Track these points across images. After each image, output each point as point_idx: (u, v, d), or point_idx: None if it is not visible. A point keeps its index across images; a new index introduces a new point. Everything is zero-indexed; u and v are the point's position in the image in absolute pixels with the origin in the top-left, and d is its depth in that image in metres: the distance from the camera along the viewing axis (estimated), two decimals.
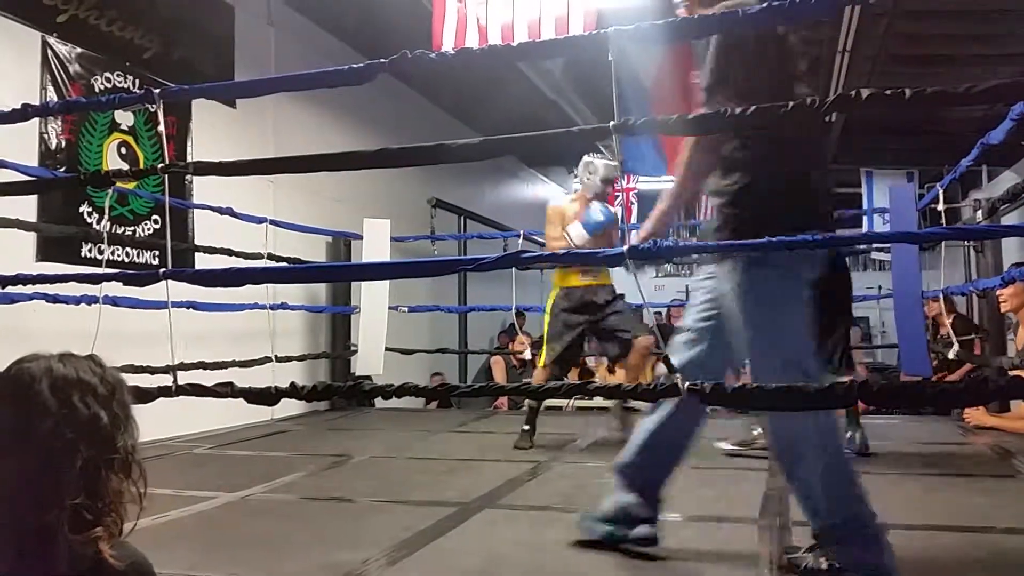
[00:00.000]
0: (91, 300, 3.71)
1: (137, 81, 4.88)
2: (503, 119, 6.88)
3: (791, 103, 1.95)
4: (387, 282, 5.82)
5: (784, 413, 2.06)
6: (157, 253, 4.86)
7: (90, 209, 4.52)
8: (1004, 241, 5.12)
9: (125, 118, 4.80)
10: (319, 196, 6.44)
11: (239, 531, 2.70)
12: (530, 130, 2.34)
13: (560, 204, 4.41)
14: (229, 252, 5.07)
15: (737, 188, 2.06)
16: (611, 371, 5.65)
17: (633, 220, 10.38)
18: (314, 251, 6.26)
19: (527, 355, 6.62)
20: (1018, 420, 4.39)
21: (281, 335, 5.62)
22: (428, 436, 4.80)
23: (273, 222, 5.52)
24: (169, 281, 2.61)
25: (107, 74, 4.70)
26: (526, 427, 4.21)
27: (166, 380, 2.61)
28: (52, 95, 4.33)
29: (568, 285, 4.22)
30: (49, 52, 4.34)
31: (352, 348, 6.34)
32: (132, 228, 4.81)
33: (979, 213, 4.96)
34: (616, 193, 4.21)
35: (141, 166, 4.75)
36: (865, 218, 8.63)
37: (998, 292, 4.38)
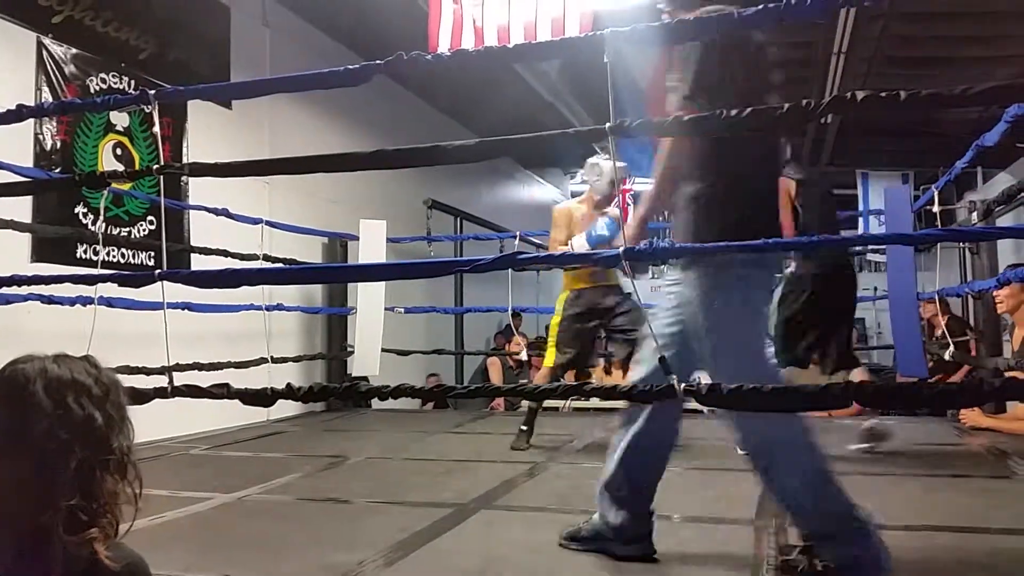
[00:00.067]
0: (86, 301, 3.71)
1: (132, 82, 4.87)
2: (499, 120, 6.89)
3: (786, 105, 1.96)
4: (383, 283, 5.82)
5: (753, 418, 2.05)
6: (152, 254, 4.86)
7: (85, 210, 4.51)
8: (999, 243, 5.14)
9: (120, 119, 4.79)
10: (315, 197, 6.43)
11: (235, 532, 2.70)
12: (526, 132, 2.34)
13: (567, 207, 4.36)
14: (225, 253, 5.07)
15: (697, 192, 2.08)
16: (607, 372, 5.65)
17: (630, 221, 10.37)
18: (310, 252, 6.25)
19: (523, 356, 6.62)
20: (1014, 421, 4.40)
21: (277, 336, 5.62)
22: (425, 437, 4.80)
23: (269, 223, 5.51)
24: (164, 282, 2.61)
25: (102, 75, 4.70)
26: (524, 427, 4.21)
27: (162, 381, 2.60)
28: (47, 96, 4.32)
29: (578, 287, 4.21)
30: (44, 53, 4.34)
31: (348, 349, 6.33)
32: (127, 229, 4.80)
33: (974, 215, 4.97)
34: (614, 195, 4.23)
35: (136, 167, 4.74)
36: (861, 220, 8.65)
37: (994, 293, 4.39)
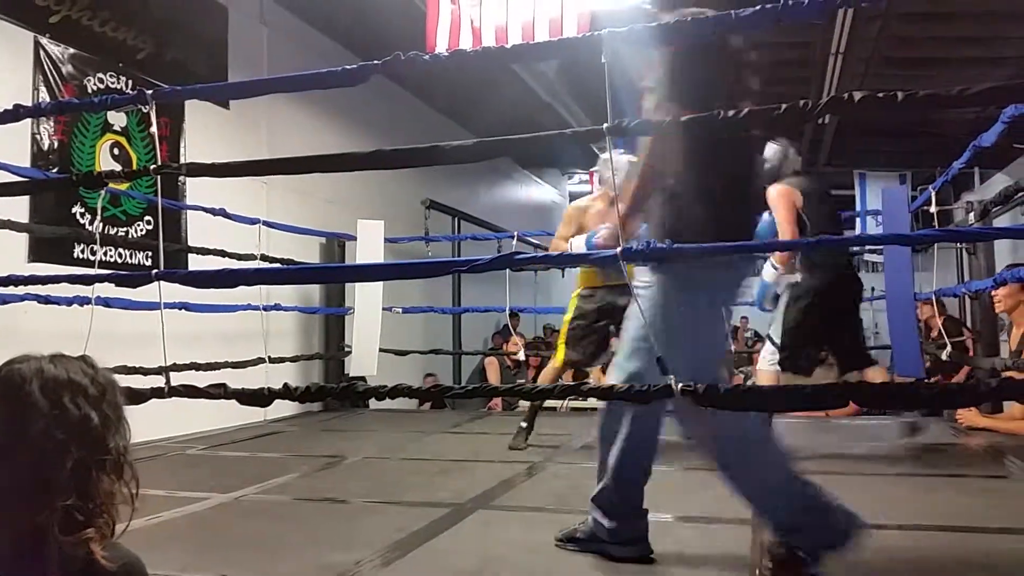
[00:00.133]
0: (83, 301, 3.70)
1: (130, 82, 4.87)
2: (497, 121, 6.89)
3: (783, 105, 1.96)
4: (381, 283, 5.81)
5: (711, 423, 2.07)
6: (150, 254, 4.85)
7: (83, 210, 4.51)
8: (996, 243, 5.14)
9: (118, 119, 4.79)
10: (313, 197, 6.43)
11: (232, 532, 2.69)
12: (524, 132, 2.34)
13: (581, 204, 4.29)
14: (222, 253, 5.06)
15: (673, 192, 2.09)
16: (605, 372, 5.65)
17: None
18: (308, 252, 6.25)
19: (521, 356, 6.62)
20: (1011, 421, 4.41)
21: (274, 336, 5.62)
22: (422, 437, 4.79)
23: (266, 223, 5.51)
24: (162, 282, 2.61)
25: (100, 75, 4.69)
26: (524, 424, 4.21)
27: (159, 381, 2.61)
28: (44, 96, 4.32)
29: (591, 285, 4.19)
30: (42, 53, 4.33)
31: (346, 349, 6.33)
32: (125, 229, 4.79)
33: (971, 215, 4.98)
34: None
35: (134, 167, 4.74)
36: (858, 220, 8.66)
37: (993, 293, 4.39)
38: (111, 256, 4.66)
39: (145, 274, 2.69)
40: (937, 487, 3.23)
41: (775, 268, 3.75)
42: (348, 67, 2.47)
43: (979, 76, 7.32)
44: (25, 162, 4.13)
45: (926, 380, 4.47)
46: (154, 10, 5.09)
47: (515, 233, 6.55)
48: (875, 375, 3.80)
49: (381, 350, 5.92)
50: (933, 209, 4.92)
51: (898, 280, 4.84)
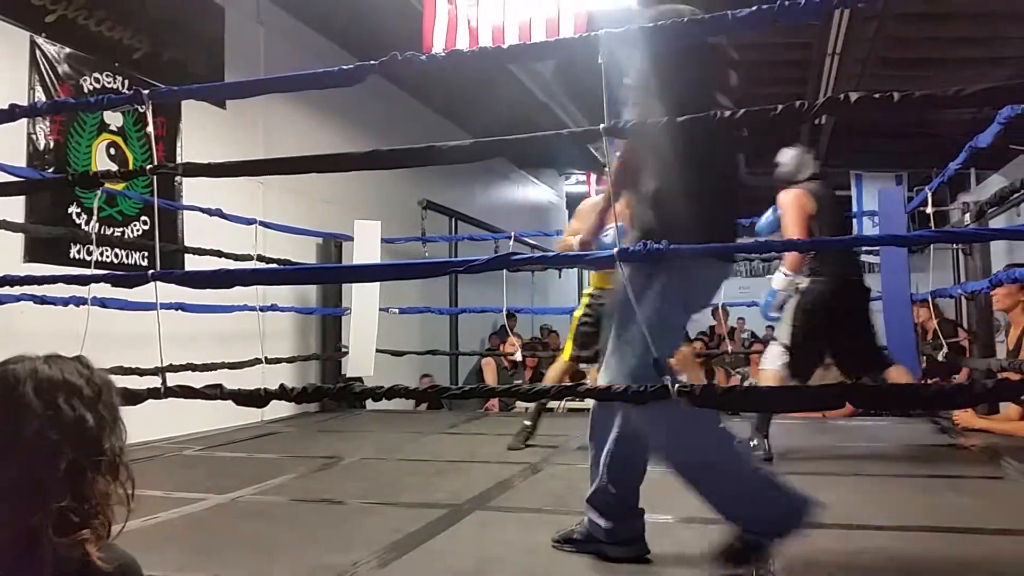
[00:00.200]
0: (79, 301, 3.70)
1: (126, 82, 4.86)
2: (494, 121, 6.88)
3: (779, 106, 1.96)
4: (378, 284, 5.81)
5: (674, 435, 2.07)
6: (146, 254, 4.84)
7: (79, 210, 4.50)
8: (992, 244, 5.15)
9: (114, 119, 4.78)
10: (309, 197, 6.43)
11: (229, 533, 2.69)
12: (521, 132, 2.34)
13: (595, 201, 4.31)
14: (218, 253, 5.06)
15: (655, 190, 2.09)
16: None
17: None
18: (304, 253, 6.24)
19: (518, 357, 6.62)
20: (1007, 422, 4.42)
21: (271, 337, 5.61)
22: (419, 438, 4.79)
23: (263, 223, 5.50)
24: (158, 282, 2.61)
25: (96, 74, 4.68)
26: (527, 423, 4.20)
27: (155, 382, 2.60)
28: (40, 95, 4.31)
29: (603, 287, 4.19)
30: (38, 52, 4.32)
31: (343, 350, 6.32)
32: (121, 229, 4.78)
33: (967, 216, 4.99)
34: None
35: (130, 167, 4.73)
36: (855, 221, 8.67)
37: (992, 293, 4.40)
38: (107, 256, 4.65)
39: (141, 274, 2.69)
40: (933, 488, 3.23)
41: (786, 275, 3.75)
42: (345, 67, 2.47)
43: (976, 77, 7.34)
44: (21, 162, 4.12)
45: (923, 381, 4.48)
46: (151, 10, 5.08)
47: (512, 234, 6.56)
48: (899, 375, 3.79)
49: (378, 351, 5.91)
50: (929, 210, 4.93)
51: (894, 281, 4.85)
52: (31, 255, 4.20)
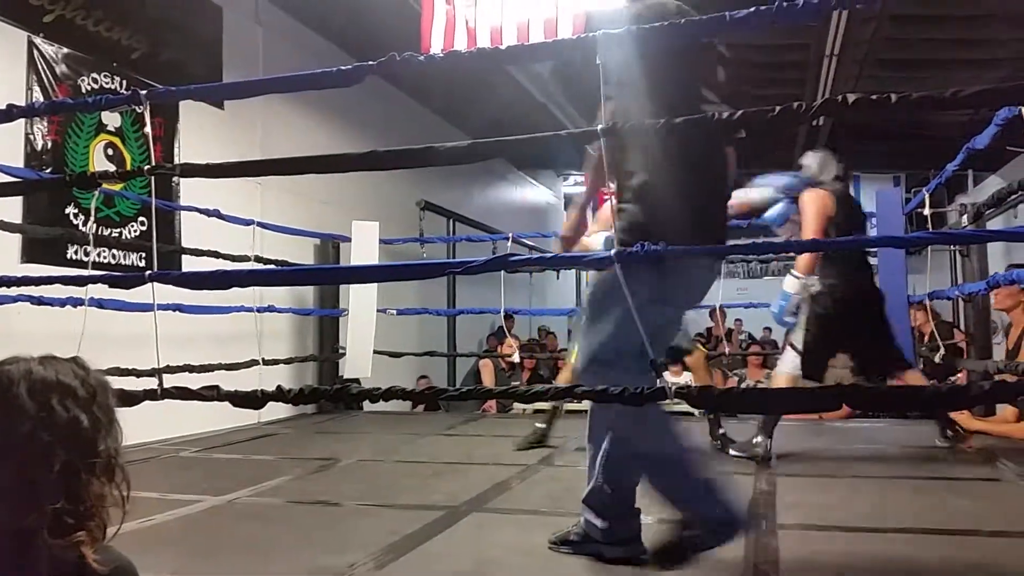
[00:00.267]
0: (77, 302, 3.69)
1: (124, 82, 4.85)
2: (492, 121, 6.89)
3: (777, 107, 1.96)
4: (375, 285, 5.80)
5: (623, 429, 2.12)
6: (143, 255, 4.83)
7: (76, 211, 4.49)
8: (989, 245, 5.16)
9: (112, 119, 4.77)
10: (307, 198, 6.42)
11: (225, 535, 2.68)
12: (519, 132, 2.34)
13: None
14: (216, 254, 5.05)
15: (633, 188, 2.09)
16: None
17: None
18: (302, 253, 6.23)
19: (516, 358, 6.61)
20: (1003, 424, 4.42)
21: (268, 338, 5.60)
22: (416, 439, 4.79)
23: (261, 224, 5.49)
24: (155, 283, 2.60)
25: (94, 75, 4.68)
26: (541, 425, 4.20)
27: (152, 383, 2.59)
28: (38, 96, 4.30)
29: None
30: (35, 52, 4.32)
31: (340, 351, 6.32)
32: (118, 230, 4.78)
33: (965, 218, 4.99)
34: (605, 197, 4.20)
35: (128, 168, 4.73)
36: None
37: (994, 293, 4.40)
38: (105, 257, 4.64)
39: (138, 275, 2.68)
40: (930, 490, 3.23)
41: (797, 277, 3.75)
42: (343, 67, 2.46)
43: (973, 78, 7.37)
44: (18, 162, 4.12)
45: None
46: (149, 10, 5.08)
47: (510, 235, 6.56)
48: (914, 379, 3.79)
49: (375, 352, 5.91)
50: (927, 211, 4.93)
51: (892, 282, 4.85)
52: (28, 256, 4.19)
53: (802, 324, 3.76)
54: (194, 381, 2.82)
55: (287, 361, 5.90)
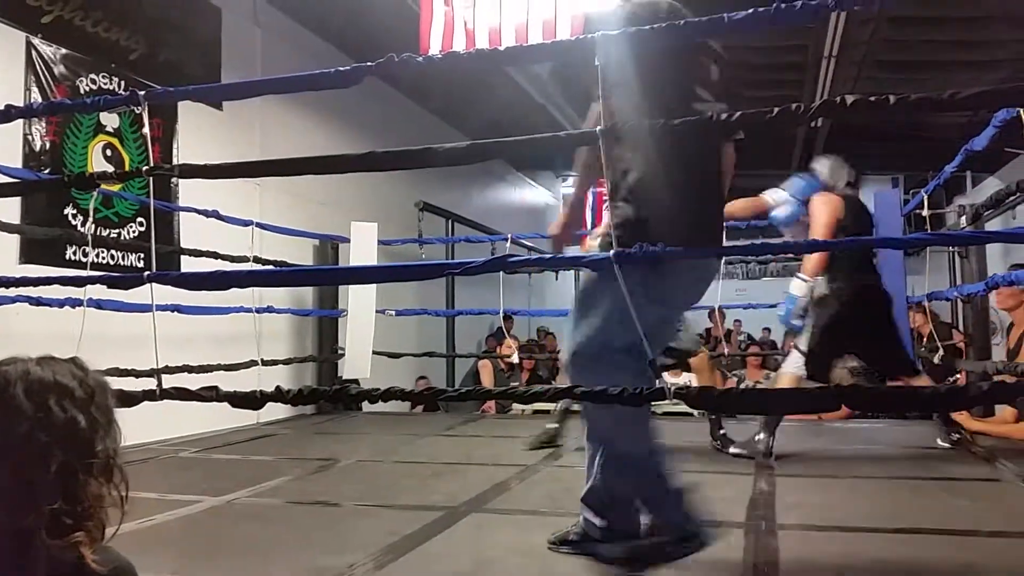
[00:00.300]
0: (75, 303, 3.68)
1: (122, 83, 4.85)
2: (491, 122, 6.90)
3: (775, 109, 1.96)
4: (374, 285, 5.80)
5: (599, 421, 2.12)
6: (142, 256, 4.83)
7: (74, 211, 4.49)
8: (988, 246, 5.16)
9: (110, 120, 4.77)
10: (306, 199, 6.42)
11: (224, 535, 2.68)
12: (518, 133, 2.34)
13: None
14: (215, 255, 5.05)
15: (626, 189, 2.09)
16: None
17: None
18: (301, 254, 6.23)
19: (515, 359, 6.61)
20: (1002, 424, 4.42)
21: (267, 339, 5.60)
22: (415, 440, 4.78)
23: (259, 225, 5.49)
24: (154, 284, 2.60)
25: (92, 75, 4.68)
26: (553, 426, 4.20)
27: (150, 384, 2.59)
28: (36, 96, 4.30)
29: None
30: (33, 53, 4.31)
31: (339, 352, 6.32)
32: (117, 231, 4.77)
33: (963, 219, 4.99)
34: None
35: (126, 168, 4.72)
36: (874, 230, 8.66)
37: (996, 292, 4.41)
38: (103, 258, 4.64)
39: (137, 276, 2.68)
40: (929, 491, 3.23)
41: (804, 280, 3.77)
42: (341, 68, 2.46)
43: (972, 80, 7.37)
44: (17, 163, 4.11)
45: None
46: (147, 11, 5.08)
47: (509, 235, 6.56)
48: (922, 384, 3.81)
49: (374, 353, 5.90)
50: (925, 213, 4.94)
51: (891, 284, 4.84)
52: (27, 256, 4.19)
53: (808, 326, 3.78)
54: (193, 382, 2.81)
55: (286, 362, 5.90)
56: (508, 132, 2.47)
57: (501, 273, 5.37)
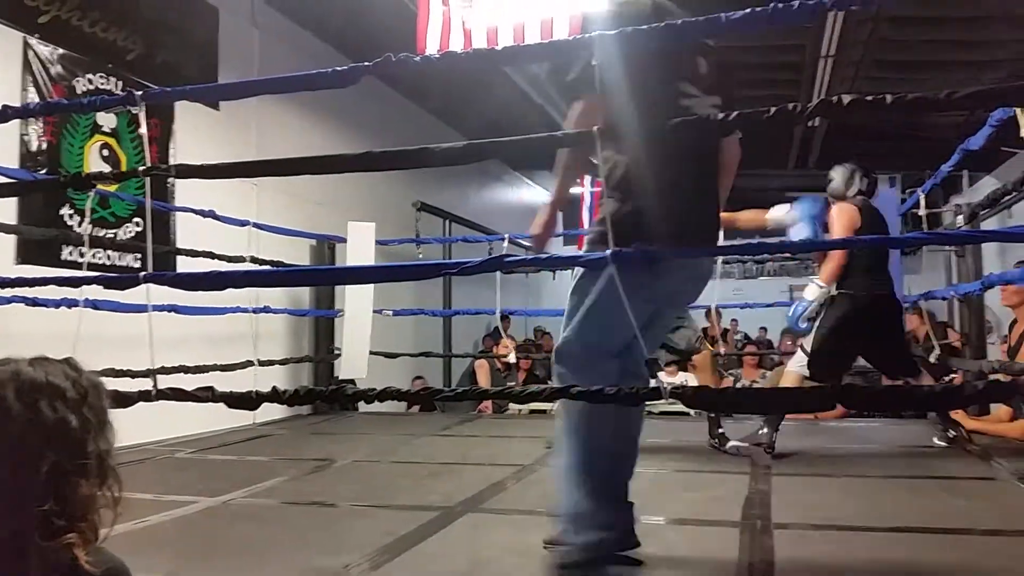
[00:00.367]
0: (71, 303, 3.68)
1: (120, 83, 4.84)
2: (489, 122, 6.89)
3: (772, 108, 1.96)
4: (371, 285, 5.80)
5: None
6: (139, 256, 4.83)
7: (71, 211, 4.48)
8: (984, 245, 5.17)
9: (107, 120, 4.76)
10: (303, 199, 6.41)
11: (220, 536, 2.68)
12: (516, 133, 2.34)
13: None
14: (211, 255, 5.04)
15: (616, 188, 2.09)
16: None
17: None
18: (298, 254, 6.23)
19: (511, 359, 6.61)
20: (998, 423, 4.43)
21: (264, 339, 5.59)
22: (411, 440, 4.78)
23: (256, 225, 5.49)
24: (150, 284, 2.59)
25: (89, 76, 4.67)
26: None
27: (146, 384, 2.59)
28: (33, 96, 4.30)
29: None
30: (31, 53, 4.31)
31: (336, 352, 6.31)
32: (113, 231, 4.77)
33: (960, 218, 5.00)
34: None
35: (123, 168, 4.72)
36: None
37: (1002, 289, 4.43)
38: (99, 258, 4.63)
39: (133, 276, 2.67)
40: (925, 489, 3.24)
41: (820, 286, 3.81)
42: (339, 68, 2.46)
43: (970, 80, 7.37)
44: (13, 163, 4.11)
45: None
46: (145, 11, 5.07)
47: (506, 235, 6.55)
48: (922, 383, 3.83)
49: (371, 353, 5.90)
50: (922, 212, 4.95)
51: None
52: (23, 257, 4.18)
53: (816, 331, 3.82)
54: (189, 382, 2.81)
55: (283, 362, 5.89)
56: (506, 132, 2.47)
57: (498, 273, 5.37)
